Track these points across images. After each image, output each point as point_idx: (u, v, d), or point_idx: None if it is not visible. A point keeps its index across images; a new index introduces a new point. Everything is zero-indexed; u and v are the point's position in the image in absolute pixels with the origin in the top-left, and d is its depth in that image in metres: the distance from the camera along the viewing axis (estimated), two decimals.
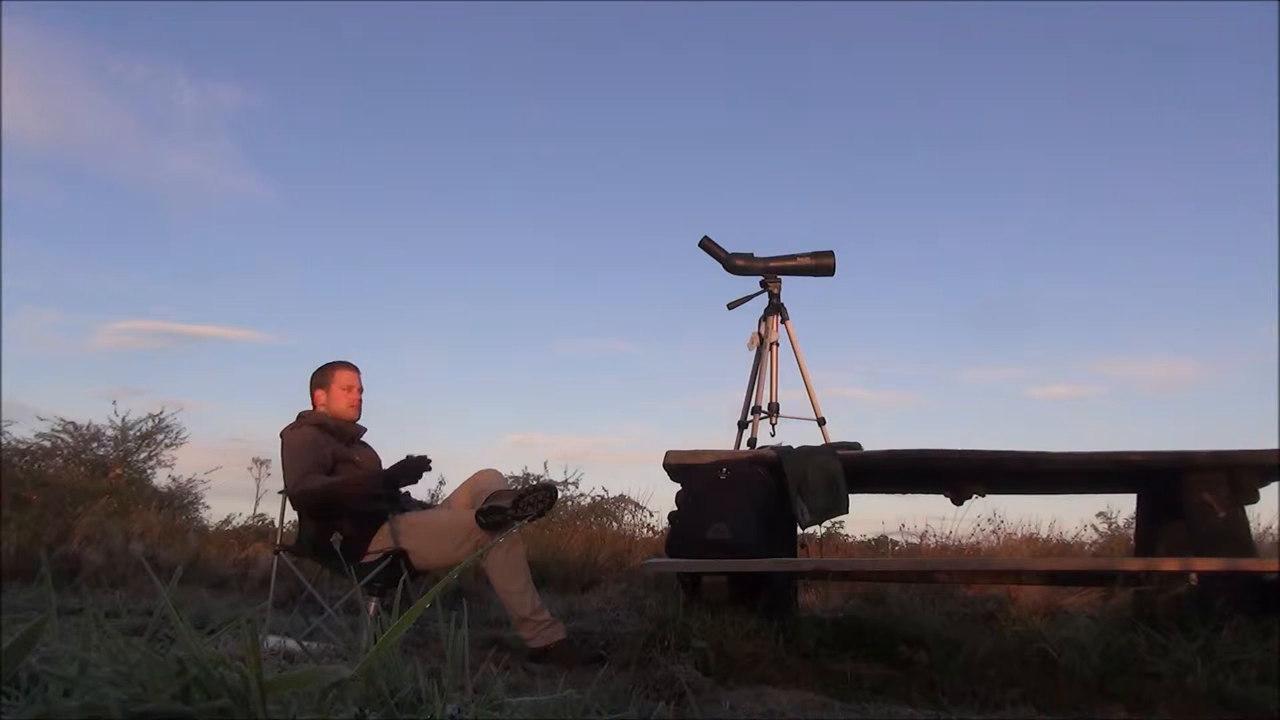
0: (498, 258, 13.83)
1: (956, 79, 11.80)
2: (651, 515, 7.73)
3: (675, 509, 2.86)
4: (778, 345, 3.75)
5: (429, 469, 2.89)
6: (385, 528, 2.84)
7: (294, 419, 3.11)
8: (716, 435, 8.42)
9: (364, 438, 3.21)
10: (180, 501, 8.66)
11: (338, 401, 3.15)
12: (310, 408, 3.16)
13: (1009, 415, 11.68)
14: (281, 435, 3.04)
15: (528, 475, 7.92)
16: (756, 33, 11.73)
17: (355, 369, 3.22)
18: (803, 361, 3.72)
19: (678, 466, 2.90)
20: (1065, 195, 12.09)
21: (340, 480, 2.91)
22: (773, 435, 3.66)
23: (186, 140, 12.75)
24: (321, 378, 3.18)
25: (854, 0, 11.37)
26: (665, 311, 13.17)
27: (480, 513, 2.75)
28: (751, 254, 3.82)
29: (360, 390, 3.20)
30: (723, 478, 2.76)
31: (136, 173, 13.10)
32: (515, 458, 13.14)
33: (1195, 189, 11.50)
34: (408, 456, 2.87)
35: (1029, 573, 3.17)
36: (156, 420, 8.74)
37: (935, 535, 6.34)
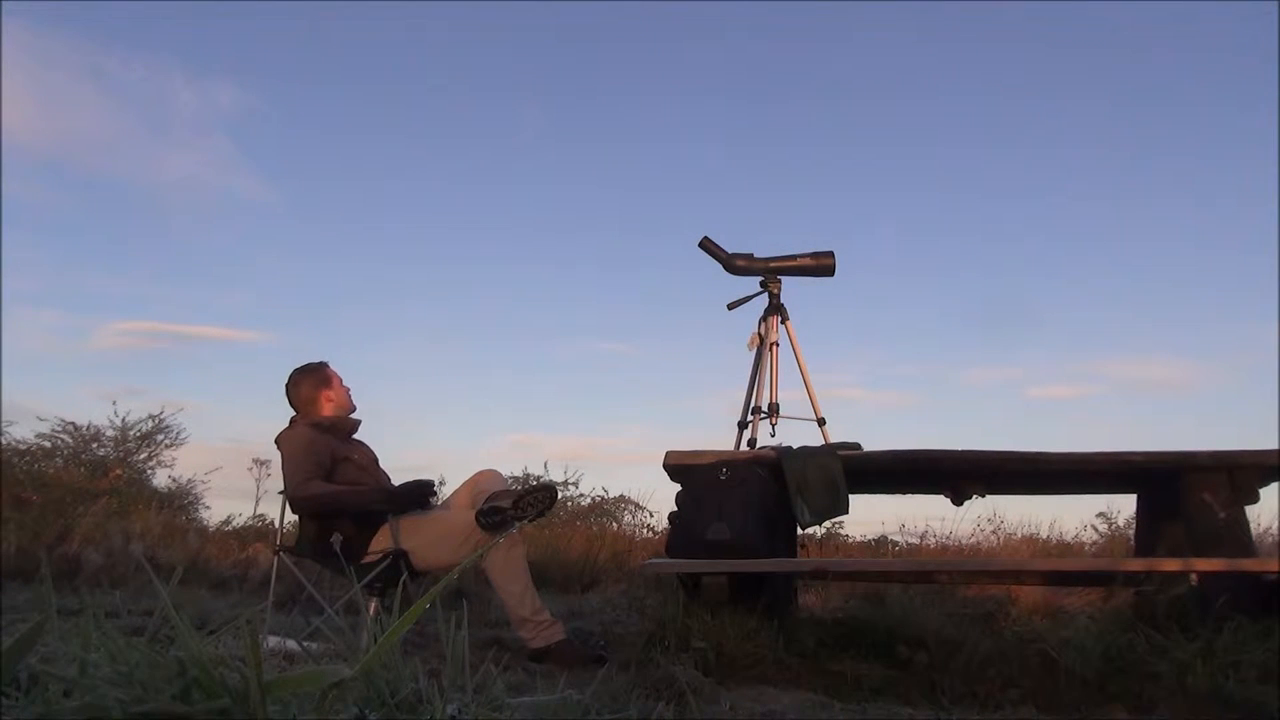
0: (498, 257, 13.84)
1: (956, 77, 11.80)
2: (651, 515, 7.73)
3: (675, 509, 2.86)
4: (778, 345, 3.75)
5: (434, 495, 2.93)
6: (385, 528, 2.85)
7: (288, 422, 3.11)
8: (716, 435, 8.42)
9: (357, 434, 3.21)
10: (180, 502, 8.66)
11: (342, 395, 3.17)
12: (295, 413, 3.15)
13: (1009, 415, 11.68)
14: (278, 440, 3.04)
15: (528, 475, 7.92)
16: (756, 31, 11.73)
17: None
18: (803, 362, 3.72)
19: (678, 467, 2.90)
20: (1066, 194, 12.10)
21: (342, 490, 2.92)
22: (773, 435, 3.66)
23: (185, 140, 12.76)
24: (322, 378, 3.16)
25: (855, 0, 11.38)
26: (665, 312, 13.18)
27: (480, 513, 2.75)
28: (751, 254, 3.82)
29: None
30: (723, 478, 2.76)
31: (135, 173, 13.11)
32: (515, 458, 13.14)
33: (1195, 188, 11.51)
34: (416, 481, 2.92)
35: (1029, 573, 3.17)
36: (156, 420, 8.74)
37: (935, 535, 6.34)
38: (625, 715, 1.48)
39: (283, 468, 2.95)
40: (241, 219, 13.47)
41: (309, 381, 3.14)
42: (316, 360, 3.22)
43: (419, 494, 2.91)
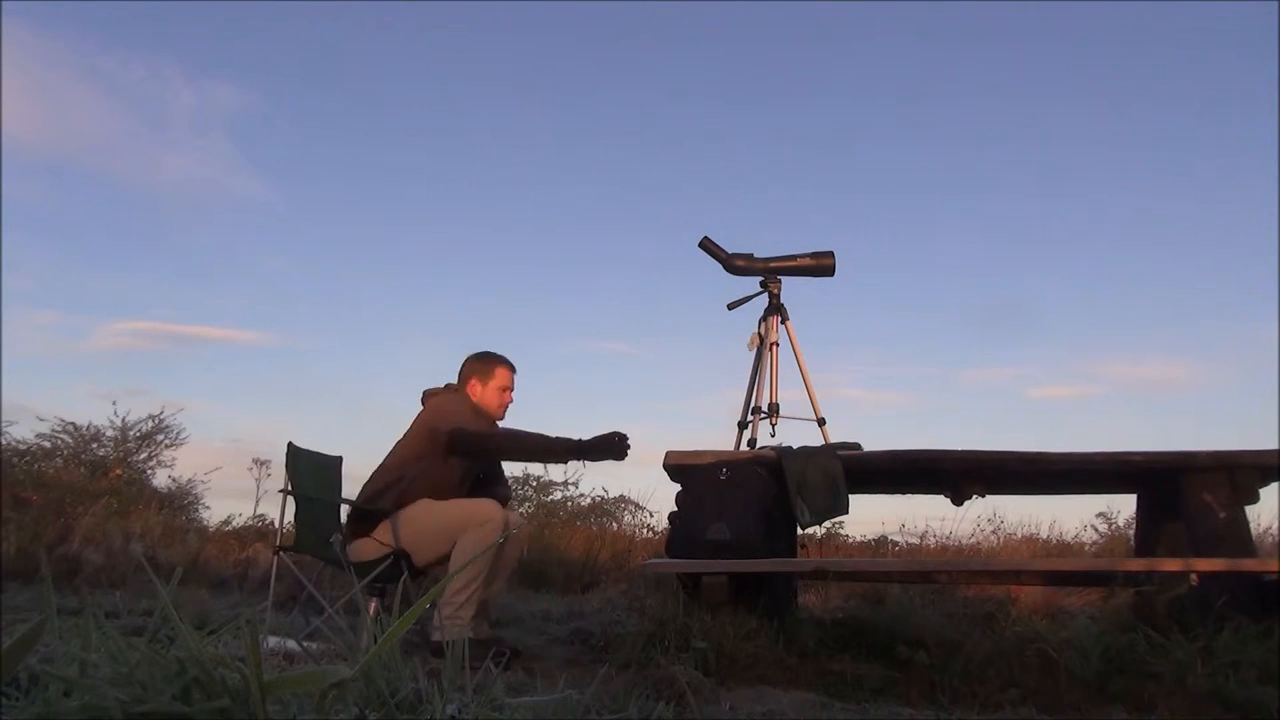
0: (497, 257, 13.84)
1: (955, 77, 11.80)
2: (651, 515, 7.74)
3: (675, 509, 2.86)
4: (778, 345, 3.74)
5: (628, 447, 2.77)
6: (385, 524, 2.84)
7: (443, 386, 3.08)
8: (716, 435, 8.42)
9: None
10: (180, 502, 8.67)
11: (491, 399, 3.07)
12: (453, 384, 3.08)
13: (1009, 415, 11.69)
14: (431, 398, 3.00)
15: (527, 475, 7.95)
16: (756, 32, 11.73)
17: (514, 369, 3.12)
18: (802, 362, 3.72)
19: (678, 467, 2.90)
20: (1066, 194, 12.10)
21: (529, 434, 2.85)
22: (773, 435, 3.66)
23: (184, 140, 12.77)
24: (484, 369, 3.07)
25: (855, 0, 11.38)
26: (665, 311, 13.18)
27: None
28: (751, 254, 3.82)
29: (512, 393, 3.11)
30: (723, 478, 2.76)
31: (135, 173, 13.12)
32: None
33: (1195, 188, 11.51)
34: (610, 433, 2.75)
35: (1029, 573, 3.17)
36: (156, 421, 8.75)
37: (935, 535, 6.35)
38: (625, 715, 1.48)
39: (435, 422, 2.91)
40: (241, 219, 13.49)
41: (480, 368, 3.08)
42: (503, 354, 3.12)
43: (610, 446, 2.74)
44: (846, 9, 11.74)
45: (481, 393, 3.06)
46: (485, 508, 2.79)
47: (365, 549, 2.85)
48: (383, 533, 2.84)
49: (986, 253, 12.46)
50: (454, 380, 3.15)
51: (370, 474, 3.02)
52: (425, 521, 2.84)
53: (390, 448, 3.09)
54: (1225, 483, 2.61)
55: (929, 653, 2.29)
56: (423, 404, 3.12)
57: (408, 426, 3.05)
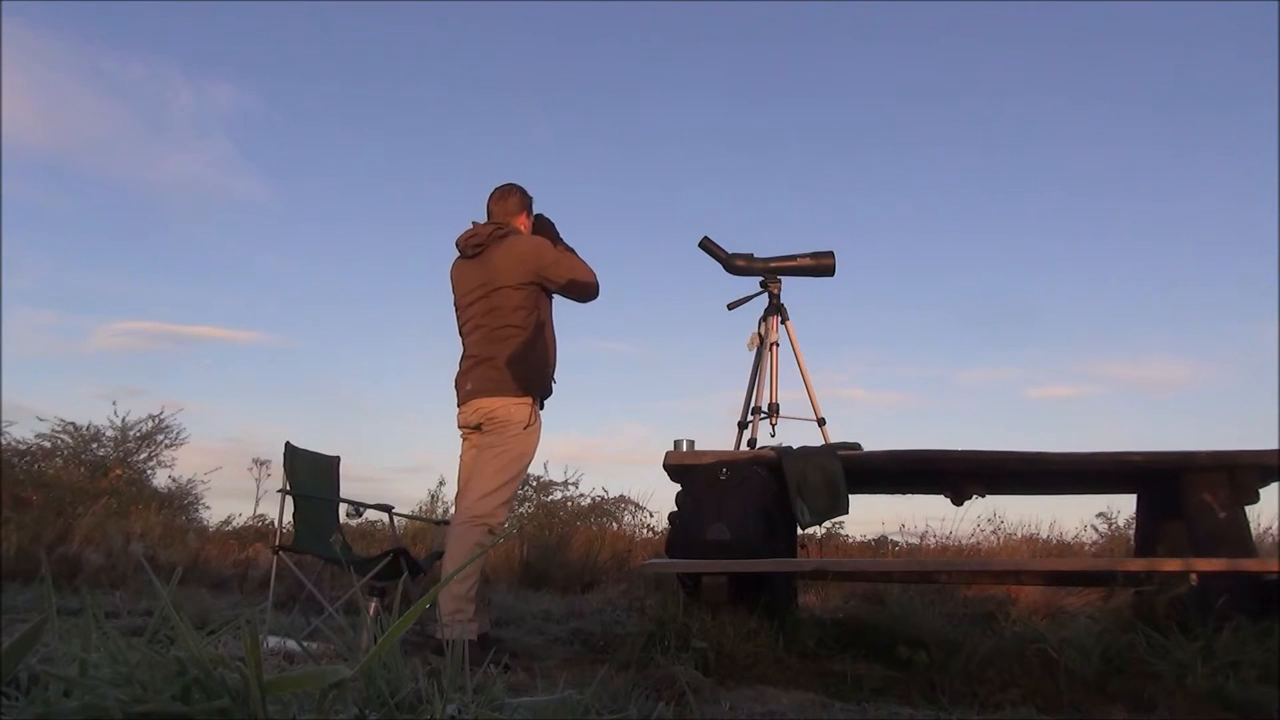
0: None
1: (956, 77, 11.80)
2: (651, 515, 7.75)
3: (676, 509, 2.86)
4: (778, 345, 3.74)
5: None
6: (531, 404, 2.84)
7: (494, 227, 2.96)
8: (716, 435, 8.43)
9: None
10: (180, 502, 8.68)
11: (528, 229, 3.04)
12: (499, 222, 2.99)
13: (1009, 415, 11.70)
14: (505, 234, 2.90)
15: (527, 476, 7.96)
16: (756, 32, 11.73)
17: None
18: (803, 362, 3.71)
19: (678, 467, 2.90)
20: (1065, 193, 12.10)
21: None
22: (773, 435, 3.65)
23: (184, 140, 12.78)
24: (528, 199, 3.04)
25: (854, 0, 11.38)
26: (665, 311, 13.19)
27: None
28: (751, 254, 3.82)
29: None
30: (723, 478, 2.76)
31: (135, 173, 13.13)
32: None
33: (1195, 188, 11.51)
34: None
35: (1029, 573, 3.17)
36: (156, 421, 8.76)
37: (935, 535, 6.35)
38: (625, 715, 1.48)
39: (536, 268, 2.86)
40: (241, 219, 13.49)
41: (527, 199, 3.03)
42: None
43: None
44: (847, 9, 11.74)
45: (528, 224, 3.02)
46: (502, 515, 2.81)
47: (512, 413, 2.81)
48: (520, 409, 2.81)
49: (986, 253, 12.47)
50: (481, 219, 3.02)
51: (479, 327, 2.86)
52: (517, 457, 2.82)
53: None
54: (1225, 483, 2.61)
55: (929, 653, 2.28)
56: (467, 247, 2.94)
57: (474, 283, 2.91)
